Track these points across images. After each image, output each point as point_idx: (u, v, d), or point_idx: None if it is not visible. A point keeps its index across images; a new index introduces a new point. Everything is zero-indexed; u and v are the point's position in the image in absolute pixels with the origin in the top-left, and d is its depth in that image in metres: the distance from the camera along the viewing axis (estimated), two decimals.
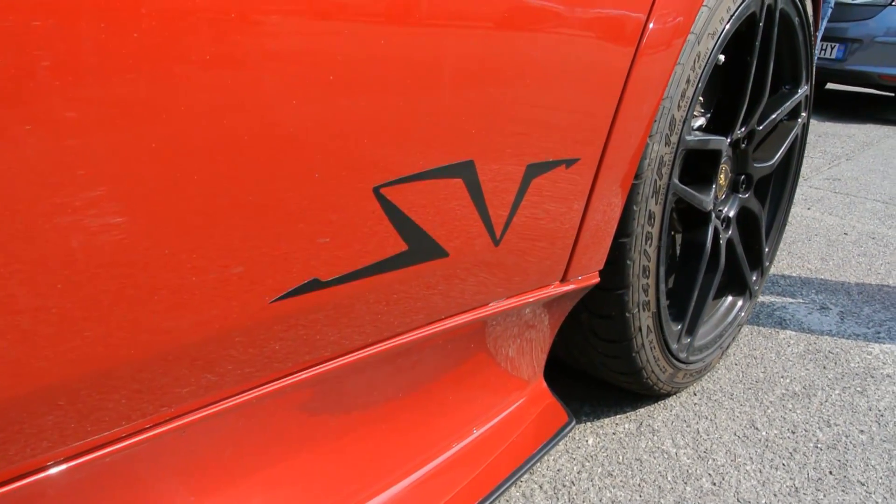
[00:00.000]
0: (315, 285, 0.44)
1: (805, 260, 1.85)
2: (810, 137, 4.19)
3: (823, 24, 4.60)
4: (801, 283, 1.67)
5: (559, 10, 0.54)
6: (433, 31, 0.44)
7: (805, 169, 3.15)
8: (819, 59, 5.13)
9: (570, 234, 0.68)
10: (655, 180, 0.79)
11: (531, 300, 0.68)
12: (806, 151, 3.62)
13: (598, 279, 0.78)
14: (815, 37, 1.24)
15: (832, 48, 5.21)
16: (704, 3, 0.79)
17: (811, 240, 2.03)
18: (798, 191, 2.69)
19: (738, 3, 0.85)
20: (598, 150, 0.66)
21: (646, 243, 0.82)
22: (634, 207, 0.77)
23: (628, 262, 0.80)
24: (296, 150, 0.40)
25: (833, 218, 2.30)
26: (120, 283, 0.36)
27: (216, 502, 0.51)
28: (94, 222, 0.34)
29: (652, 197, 0.79)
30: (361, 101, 0.42)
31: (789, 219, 2.19)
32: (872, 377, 1.24)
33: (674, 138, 0.79)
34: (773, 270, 1.74)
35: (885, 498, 0.92)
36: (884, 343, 1.38)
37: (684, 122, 0.80)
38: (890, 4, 5.08)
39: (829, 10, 4.61)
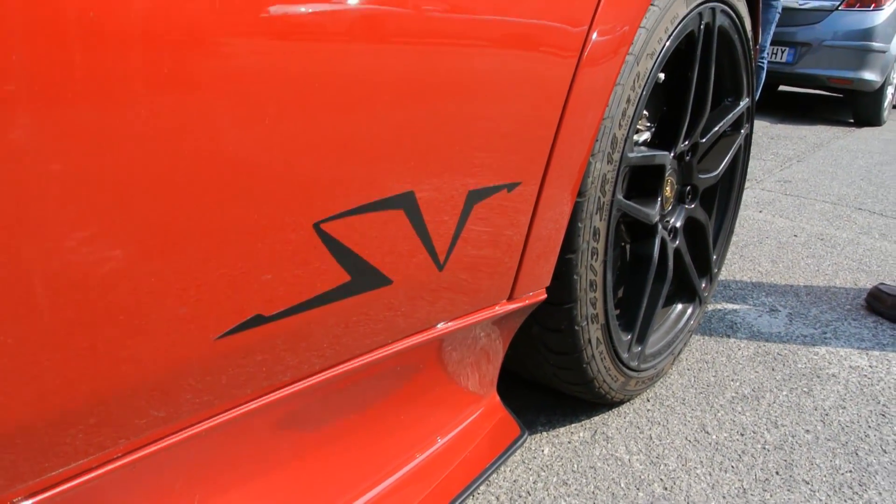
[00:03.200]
0: (258, 320, 0.45)
1: (756, 263, 1.90)
2: (763, 140, 4.29)
3: (772, 29, 4.71)
4: (752, 287, 1.71)
5: (496, 36, 0.56)
6: (365, 63, 0.45)
7: (757, 171, 3.23)
8: (770, 62, 5.25)
9: (515, 255, 0.70)
10: (599, 197, 0.81)
11: (479, 320, 0.70)
12: (759, 153, 3.72)
13: (545, 296, 0.80)
14: (756, 50, 1.28)
15: (782, 52, 5.34)
16: (642, 25, 0.81)
17: (762, 243, 2.08)
18: (751, 193, 2.76)
19: (675, 24, 0.88)
20: (540, 172, 0.68)
21: (592, 258, 0.84)
22: (579, 224, 0.80)
23: (575, 277, 0.82)
24: (235, 188, 0.41)
25: (784, 220, 2.36)
26: (68, 319, 0.37)
27: None
28: (43, 250, 0.35)
29: (596, 214, 0.82)
30: (298, 137, 0.43)
31: (742, 222, 2.25)
32: (818, 377, 1.28)
33: (616, 156, 0.82)
34: (725, 274, 1.78)
35: (828, 495, 0.95)
36: (829, 344, 1.43)
37: (626, 140, 0.83)
38: (836, 9, 5.22)
39: (777, 15, 4.72)
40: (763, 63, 4.89)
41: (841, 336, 1.47)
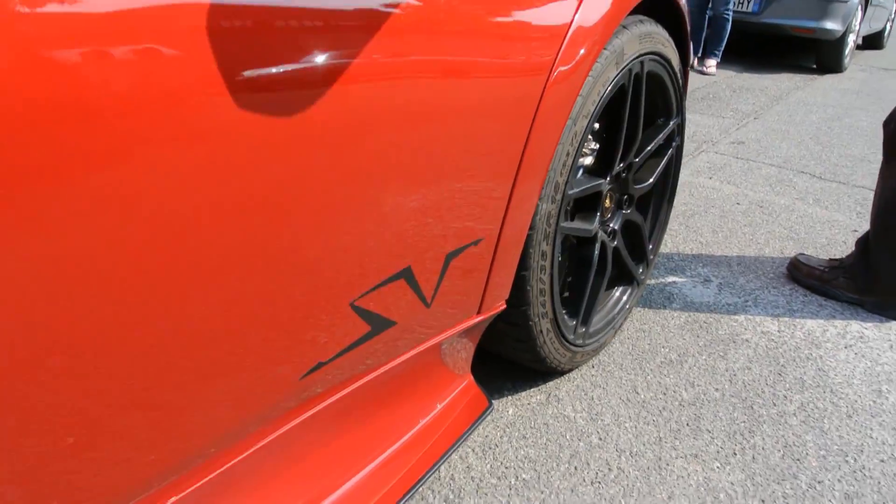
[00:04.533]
0: (320, 365, 0.71)
1: (699, 234, 2.18)
2: (725, 93, 4.53)
3: None
4: (692, 258, 2.00)
5: (466, 146, 0.80)
6: (378, 193, 0.70)
7: (714, 132, 3.48)
8: (736, 12, 5.43)
9: (481, 285, 0.97)
10: (545, 229, 1.07)
11: (456, 332, 0.97)
12: (720, 110, 3.96)
13: (505, 306, 1.07)
14: (687, 73, 1.53)
15: (748, 2, 5.52)
16: (580, 94, 1.06)
17: (707, 212, 2.36)
18: (705, 157, 3.02)
19: (607, 86, 1.12)
20: (498, 227, 0.94)
21: (541, 273, 1.11)
22: (530, 250, 1.06)
23: (528, 287, 1.09)
24: (306, 289, 0.66)
25: (730, 187, 2.64)
26: (145, 366, 0.62)
27: None
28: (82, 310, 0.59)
29: (543, 240, 1.08)
30: (342, 246, 0.68)
31: (693, 190, 2.52)
32: (734, 342, 1.58)
33: (558, 196, 1.07)
34: (670, 247, 2.06)
35: (723, 441, 1.25)
36: (749, 311, 1.72)
37: (566, 182, 1.08)
38: None
39: None
40: (728, 14, 5.08)
41: (760, 304, 1.76)
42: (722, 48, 5.16)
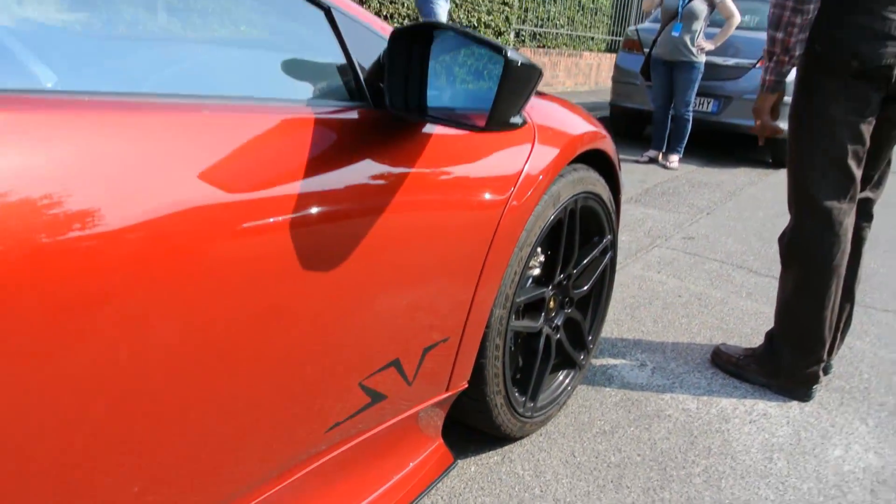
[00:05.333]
0: (337, 424, 1.07)
1: (642, 323, 2.56)
2: (684, 188, 4.99)
3: (696, 86, 5.44)
4: (633, 345, 2.37)
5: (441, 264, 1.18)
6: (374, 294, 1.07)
7: (669, 227, 3.91)
8: (697, 111, 5.97)
9: (449, 369, 1.33)
10: (498, 327, 1.45)
11: (430, 403, 1.33)
12: (676, 205, 4.40)
13: (466, 385, 1.43)
14: (619, 201, 1.93)
15: (708, 103, 6.08)
16: (525, 228, 1.44)
17: (652, 304, 2.75)
18: (657, 252, 3.43)
19: (547, 222, 1.51)
20: (461, 327, 1.31)
21: (495, 360, 1.47)
22: (486, 343, 1.43)
23: (485, 372, 1.46)
24: (332, 378, 1.02)
25: (675, 280, 3.04)
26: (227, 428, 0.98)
27: None
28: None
29: (497, 336, 1.45)
30: (356, 339, 1.05)
31: (641, 283, 2.90)
32: (658, 417, 1.94)
33: (508, 304, 1.45)
34: (615, 333, 2.44)
35: (638, 495, 1.60)
36: (675, 391, 2.09)
37: (515, 293, 1.46)
38: (754, 67, 5.95)
39: (700, 74, 5.44)
40: (688, 115, 5.61)
41: (685, 385, 2.13)
42: (683, 145, 5.68)
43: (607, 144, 1.79)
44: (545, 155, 1.46)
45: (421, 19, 5.59)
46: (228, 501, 0.96)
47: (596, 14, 11.08)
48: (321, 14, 1.08)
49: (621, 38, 11.19)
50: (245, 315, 0.85)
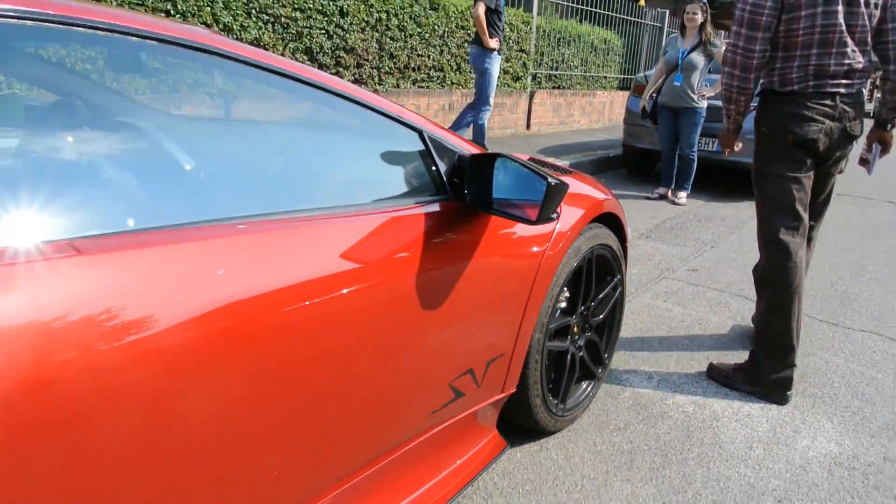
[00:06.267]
0: (435, 410, 1.61)
1: (649, 343, 3.08)
2: (691, 223, 5.50)
3: (699, 129, 5.99)
4: (642, 361, 2.89)
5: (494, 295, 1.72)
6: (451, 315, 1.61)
7: (675, 260, 4.42)
8: (703, 150, 6.49)
9: (504, 376, 1.87)
10: (537, 346, 1.98)
11: (490, 402, 1.86)
12: (683, 239, 4.91)
13: (515, 389, 1.96)
14: (626, 249, 2.47)
15: (712, 143, 6.60)
16: (556, 274, 1.98)
17: (658, 328, 3.27)
18: (664, 284, 3.95)
19: (570, 270, 2.05)
20: (512, 346, 1.85)
21: (535, 371, 2.01)
22: (529, 359, 1.96)
23: (528, 380, 1.99)
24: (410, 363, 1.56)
25: (679, 308, 3.56)
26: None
27: None
28: None
29: (536, 353, 1.99)
30: (447, 354, 1.58)
31: (650, 311, 3.41)
32: (662, 417, 2.45)
33: (544, 329, 1.99)
34: (627, 354, 2.96)
35: (645, 472, 2.11)
36: (676, 397, 2.60)
37: (548, 322, 2.00)
38: (753, 110, 6.46)
39: (702, 119, 5.99)
40: (693, 155, 6.14)
41: (684, 392, 2.64)
42: (690, 182, 6.21)
43: (616, 207, 2.34)
44: (570, 218, 2.01)
45: (475, 74, 6.25)
46: (362, 470, 1.49)
47: (608, 54, 11.69)
48: (416, 134, 1.64)
49: (632, 77, 11.79)
50: (386, 340, 1.40)
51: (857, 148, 2.96)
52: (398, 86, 7.34)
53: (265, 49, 5.64)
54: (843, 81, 2.44)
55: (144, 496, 0.97)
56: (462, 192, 1.61)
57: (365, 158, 1.71)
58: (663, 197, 6.31)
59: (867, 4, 2.38)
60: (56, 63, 1.49)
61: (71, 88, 1.42)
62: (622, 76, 12.36)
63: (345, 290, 1.24)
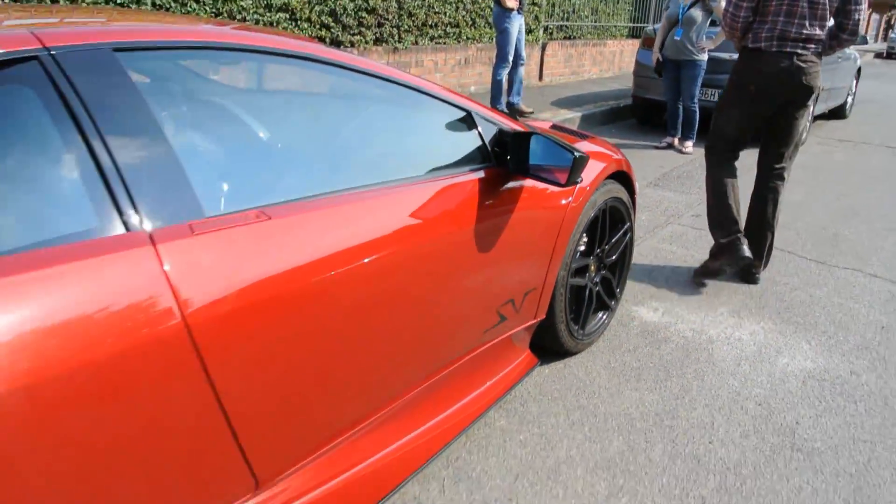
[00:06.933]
0: (487, 329, 2.07)
1: (655, 280, 3.53)
2: (697, 172, 5.87)
3: (700, 81, 6.34)
4: (649, 296, 3.35)
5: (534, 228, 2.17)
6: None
7: (681, 207, 4.84)
8: (704, 101, 6.84)
9: (536, 305, 2.32)
10: (562, 282, 2.44)
11: (525, 326, 2.33)
12: (689, 187, 5.32)
13: (545, 316, 2.42)
14: (636, 201, 2.90)
15: (713, 93, 6.93)
16: (576, 223, 2.42)
17: (663, 267, 3.72)
18: (669, 228, 4.38)
19: (587, 219, 2.49)
20: (542, 281, 2.30)
21: (561, 302, 2.46)
22: (556, 291, 2.42)
23: (555, 309, 2.45)
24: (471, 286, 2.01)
25: (683, 250, 4.00)
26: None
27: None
28: None
29: (561, 287, 2.44)
30: (494, 287, 2.04)
31: (656, 253, 3.86)
32: (665, 341, 2.92)
33: (567, 268, 2.44)
34: (636, 288, 3.41)
35: (650, 383, 2.59)
36: (677, 326, 3.06)
37: (571, 262, 2.45)
38: None
39: (702, 71, 6.33)
40: (694, 106, 6.49)
41: (685, 322, 3.11)
42: (695, 132, 6.57)
43: (626, 166, 2.76)
44: (589, 176, 2.44)
45: (496, 33, 6.61)
46: (443, 369, 1.96)
47: (618, 3, 11.87)
48: (465, 114, 2.06)
49: (642, 25, 11.99)
50: (453, 275, 1.85)
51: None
52: (416, 43, 7.66)
53: (295, 13, 6.00)
54: (801, 45, 3.11)
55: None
56: (504, 160, 2.04)
57: (428, 137, 2.12)
58: (670, 146, 6.69)
59: None
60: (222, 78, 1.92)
61: (235, 97, 1.84)
62: (632, 24, 12.55)
63: (422, 238, 1.69)
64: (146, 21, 1.54)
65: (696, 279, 3.57)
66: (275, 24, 6.02)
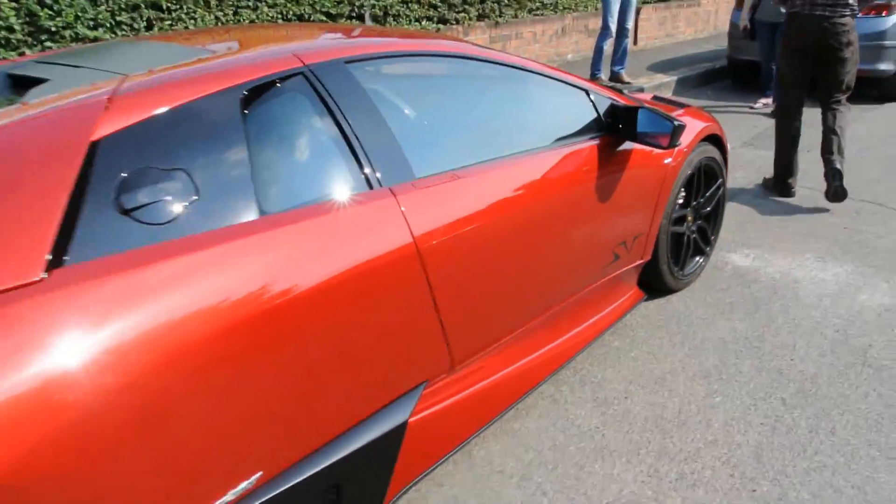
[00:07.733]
0: (607, 265, 2.60)
1: (747, 230, 3.95)
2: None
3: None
4: (741, 243, 3.78)
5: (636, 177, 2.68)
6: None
7: (772, 163, 5.17)
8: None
9: (643, 247, 2.83)
10: (665, 229, 2.93)
11: (633, 265, 2.84)
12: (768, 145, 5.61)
13: (650, 257, 2.93)
14: (727, 160, 3.34)
15: None
16: (675, 180, 2.90)
17: (755, 219, 4.13)
18: (761, 185, 4.74)
19: (685, 177, 2.96)
20: (648, 227, 2.80)
21: (664, 246, 2.96)
22: (659, 237, 2.92)
23: (658, 252, 2.95)
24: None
25: (773, 203, 4.38)
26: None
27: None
28: None
29: (664, 234, 2.93)
30: (612, 232, 2.56)
31: (753, 206, 4.26)
32: (756, 281, 3.36)
33: (668, 217, 2.93)
34: (729, 237, 3.85)
35: (741, 315, 3.05)
36: (768, 270, 3.50)
37: (672, 212, 2.93)
38: (857, 17, 6.89)
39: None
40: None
41: (773, 266, 3.53)
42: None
43: (718, 129, 3.21)
44: (686, 139, 2.91)
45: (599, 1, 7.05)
46: (557, 303, 2.50)
47: None
48: (583, 93, 2.57)
49: None
50: (582, 221, 2.39)
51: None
52: (516, 16, 8.11)
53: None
54: (829, 9, 4.02)
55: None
56: (616, 129, 2.55)
57: (553, 113, 2.64)
58: (766, 107, 6.92)
59: None
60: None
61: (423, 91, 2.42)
62: None
63: (558, 191, 2.25)
64: (359, 38, 2.13)
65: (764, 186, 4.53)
66: (389, 6, 6.60)
